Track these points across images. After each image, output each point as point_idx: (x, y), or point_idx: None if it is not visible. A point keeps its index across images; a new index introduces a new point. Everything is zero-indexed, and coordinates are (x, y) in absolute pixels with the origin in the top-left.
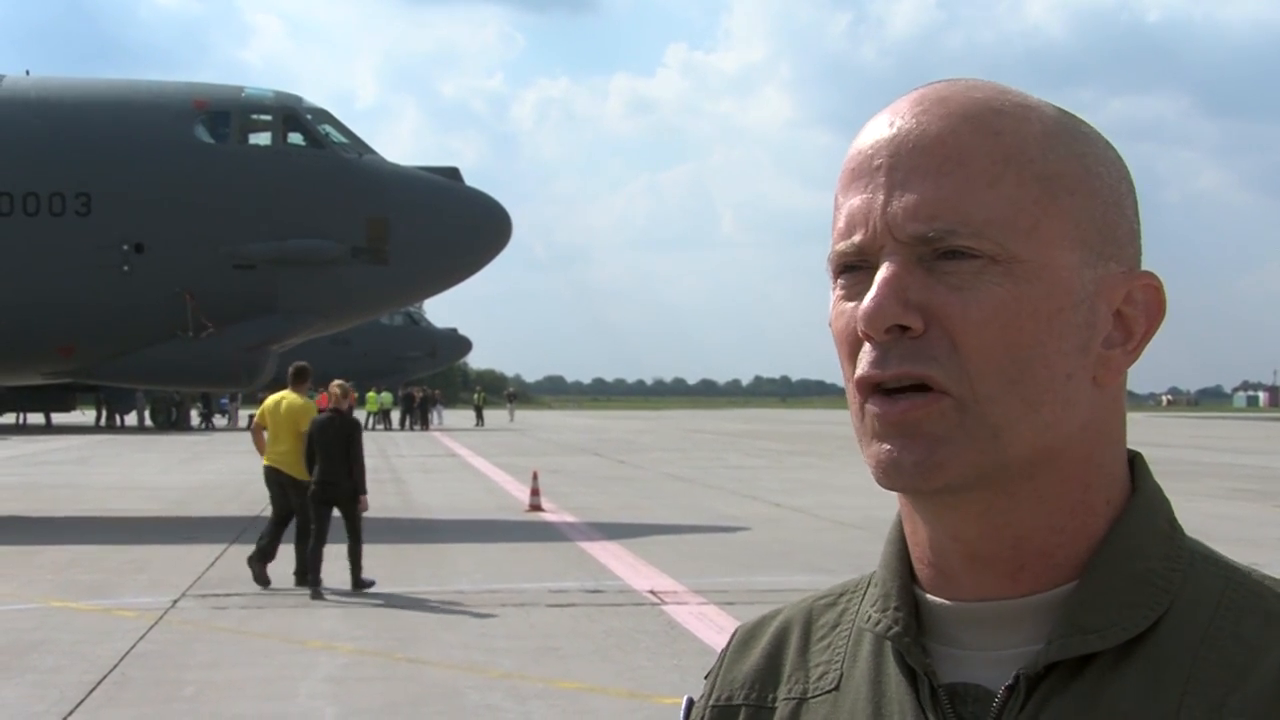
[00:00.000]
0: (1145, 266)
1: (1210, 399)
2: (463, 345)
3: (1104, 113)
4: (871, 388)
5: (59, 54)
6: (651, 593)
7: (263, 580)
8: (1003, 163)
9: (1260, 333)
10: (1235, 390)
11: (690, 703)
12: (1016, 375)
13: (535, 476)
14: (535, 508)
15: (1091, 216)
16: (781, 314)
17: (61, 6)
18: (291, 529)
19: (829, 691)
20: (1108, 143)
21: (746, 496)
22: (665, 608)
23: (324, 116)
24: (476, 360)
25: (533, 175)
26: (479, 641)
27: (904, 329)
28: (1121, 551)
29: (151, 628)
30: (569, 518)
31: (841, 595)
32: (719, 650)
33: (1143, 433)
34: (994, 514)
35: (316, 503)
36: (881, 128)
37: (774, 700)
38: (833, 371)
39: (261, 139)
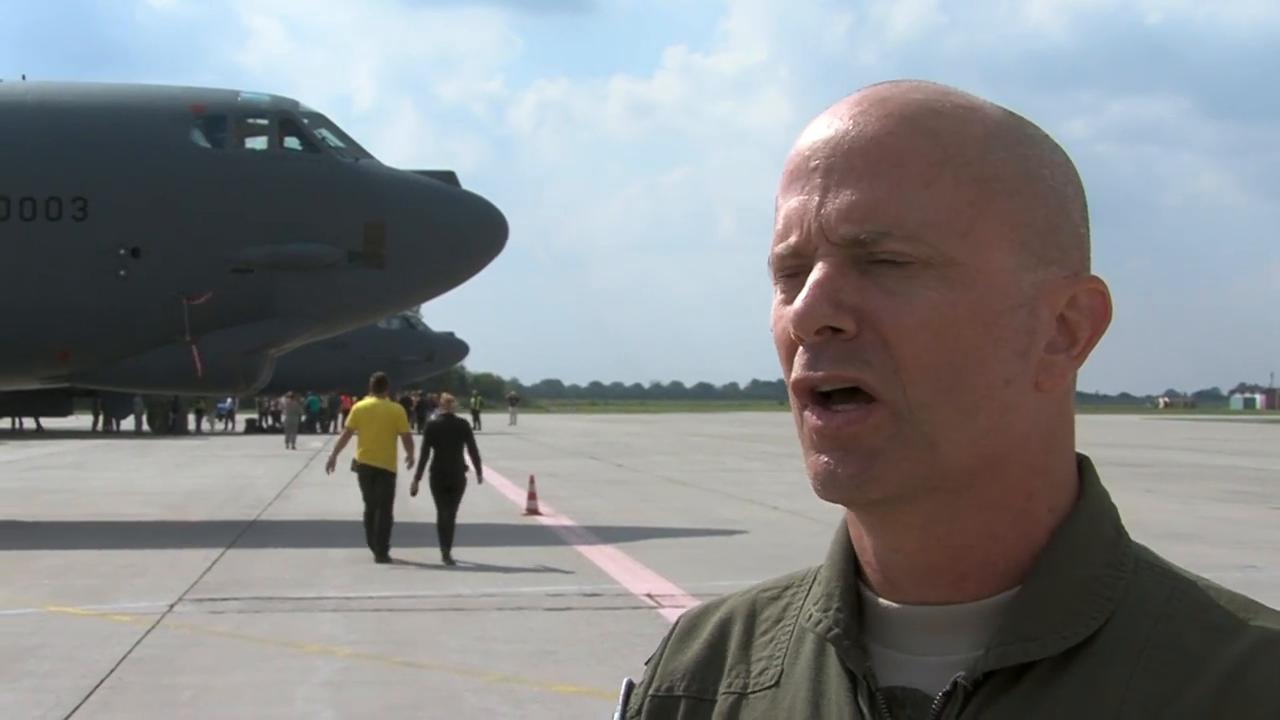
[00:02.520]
0: (1144, 269)
1: (1207, 401)
2: (460, 349)
3: (1104, 115)
4: (807, 392)
5: (55, 58)
6: (649, 596)
7: (384, 560)
8: (939, 164)
9: (1257, 335)
10: (1232, 392)
11: (630, 686)
12: (952, 381)
13: (532, 480)
14: (532, 511)
15: (1032, 219)
16: None
17: (58, 9)
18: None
19: (769, 688)
20: (1055, 145)
21: (744, 500)
22: (662, 611)
23: (320, 121)
24: (474, 364)
25: (531, 178)
26: (476, 645)
27: (836, 331)
28: (1064, 558)
29: (148, 632)
30: (566, 521)
31: (786, 589)
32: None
33: (1140, 435)
34: (934, 525)
35: (436, 488)
36: (820, 129)
37: (714, 693)
38: None
39: (258, 143)
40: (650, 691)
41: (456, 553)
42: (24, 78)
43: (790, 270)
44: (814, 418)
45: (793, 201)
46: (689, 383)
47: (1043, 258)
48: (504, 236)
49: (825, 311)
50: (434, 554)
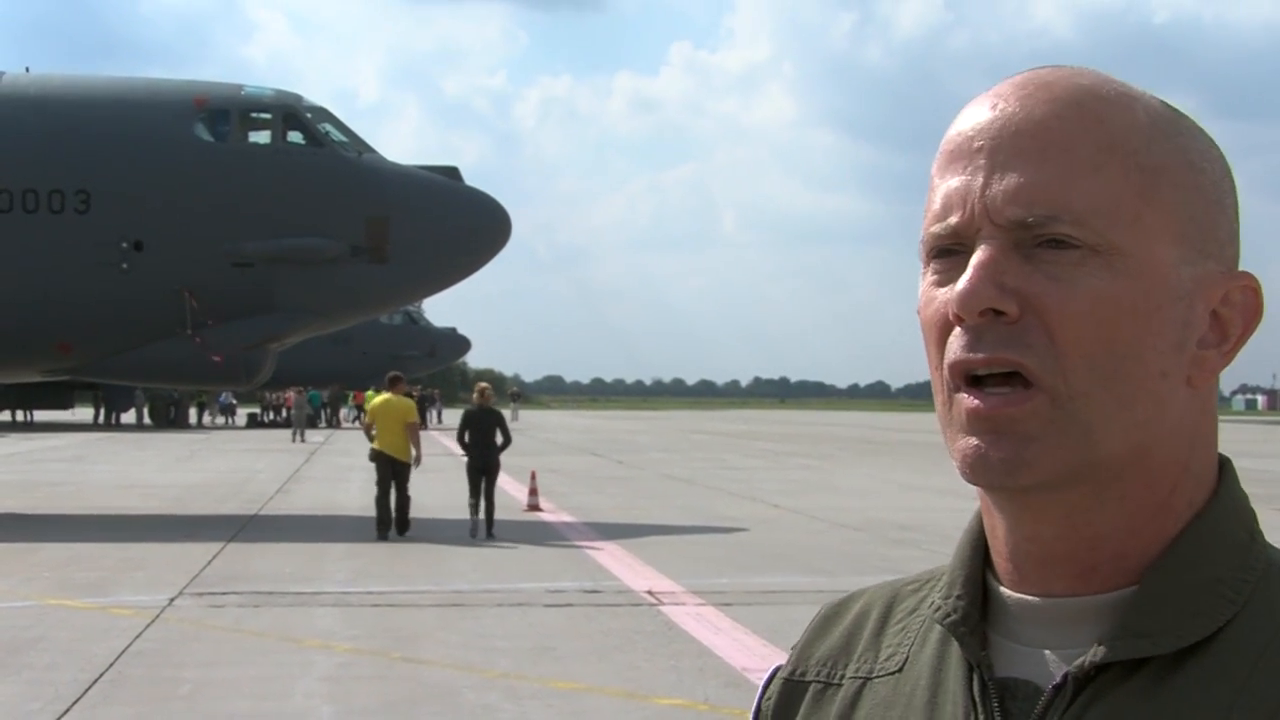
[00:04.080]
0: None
1: None
2: (462, 345)
3: None
4: (963, 375)
5: (59, 50)
6: (649, 593)
7: (386, 535)
8: (1107, 151)
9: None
10: (1234, 393)
11: (775, 671)
12: (1112, 372)
13: (533, 476)
14: (533, 508)
15: (1193, 212)
16: (781, 315)
17: (62, 2)
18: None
19: (893, 673)
20: (1211, 139)
21: (745, 498)
22: (663, 608)
23: (324, 115)
24: (475, 360)
25: (535, 174)
26: (476, 641)
27: (998, 314)
28: (1188, 557)
29: (148, 626)
30: (567, 518)
31: (927, 582)
32: (722, 654)
33: None
34: (1075, 515)
35: (472, 470)
36: (983, 110)
37: (842, 678)
38: (831, 373)
39: (261, 137)
40: (784, 675)
41: (455, 550)
42: (28, 70)
43: (944, 249)
44: (969, 399)
45: (954, 181)
46: (691, 380)
47: (1202, 252)
48: (507, 232)
49: (990, 293)
50: (439, 549)
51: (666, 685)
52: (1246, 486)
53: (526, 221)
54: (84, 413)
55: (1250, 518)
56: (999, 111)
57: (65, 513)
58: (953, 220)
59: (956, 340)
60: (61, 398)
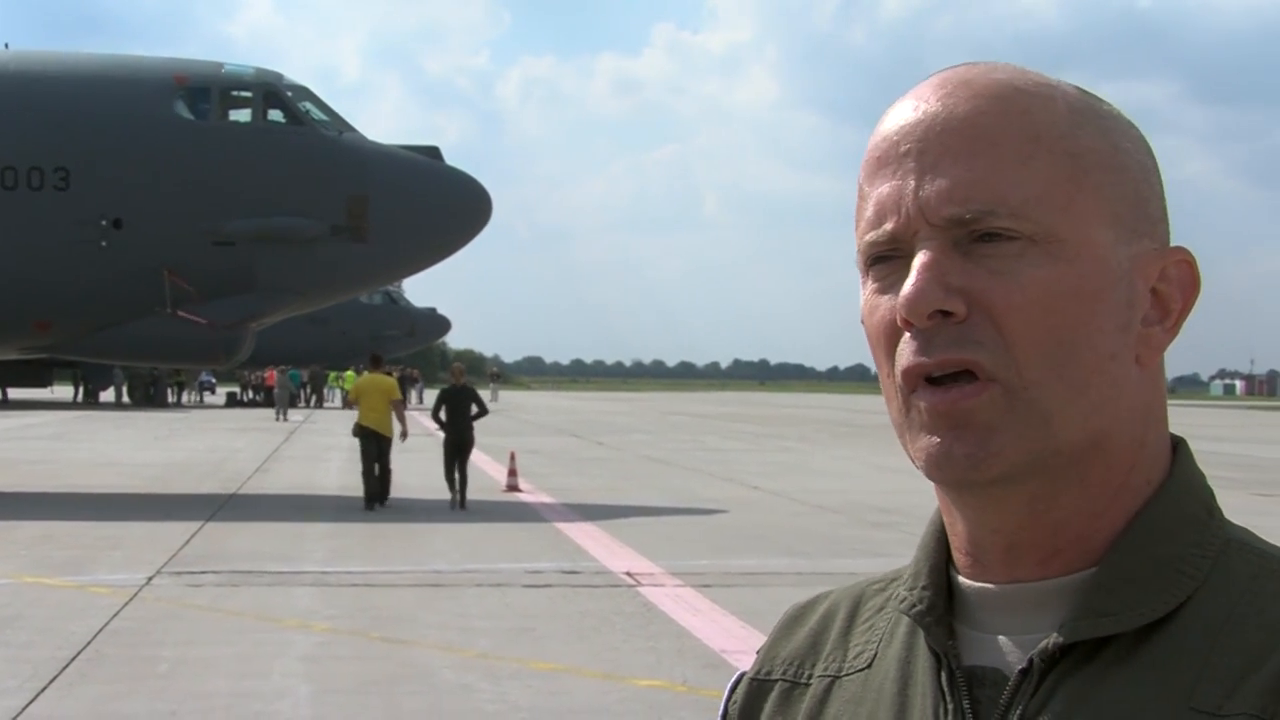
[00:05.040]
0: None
1: (1187, 387)
2: (441, 325)
3: None
4: (918, 378)
5: (39, 27)
6: (628, 574)
7: (372, 507)
8: (1033, 141)
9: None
10: (1212, 378)
11: (740, 678)
12: (1063, 358)
13: (513, 457)
14: (512, 488)
15: (1123, 193)
16: (762, 297)
17: None
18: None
19: (861, 670)
20: (1130, 122)
21: (724, 479)
22: (641, 589)
23: (304, 94)
24: (455, 340)
25: (517, 154)
26: (455, 621)
27: (946, 315)
28: (1146, 536)
29: (126, 604)
30: (546, 498)
31: (892, 581)
32: (700, 635)
33: None
34: (1037, 503)
35: (450, 446)
36: (906, 112)
37: (809, 677)
38: (811, 355)
39: (241, 115)
40: (750, 675)
41: (434, 530)
42: (6, 46)
43: (882, 255)
44: (926, 397)
45: (884, 187)
46: (671, 361)
47: (1136, 231)
48: (487, 212)
49: (937, 295)
50: (418, 528)
51: (645, 666)
52: (1228, 471)
53: (507, 202)
54: (63, 391)
55: (1208, 495)
56: (922, 113)
57: (43, 491)
58: (888, 226)
59: (907, 345)
60: (40, 376)
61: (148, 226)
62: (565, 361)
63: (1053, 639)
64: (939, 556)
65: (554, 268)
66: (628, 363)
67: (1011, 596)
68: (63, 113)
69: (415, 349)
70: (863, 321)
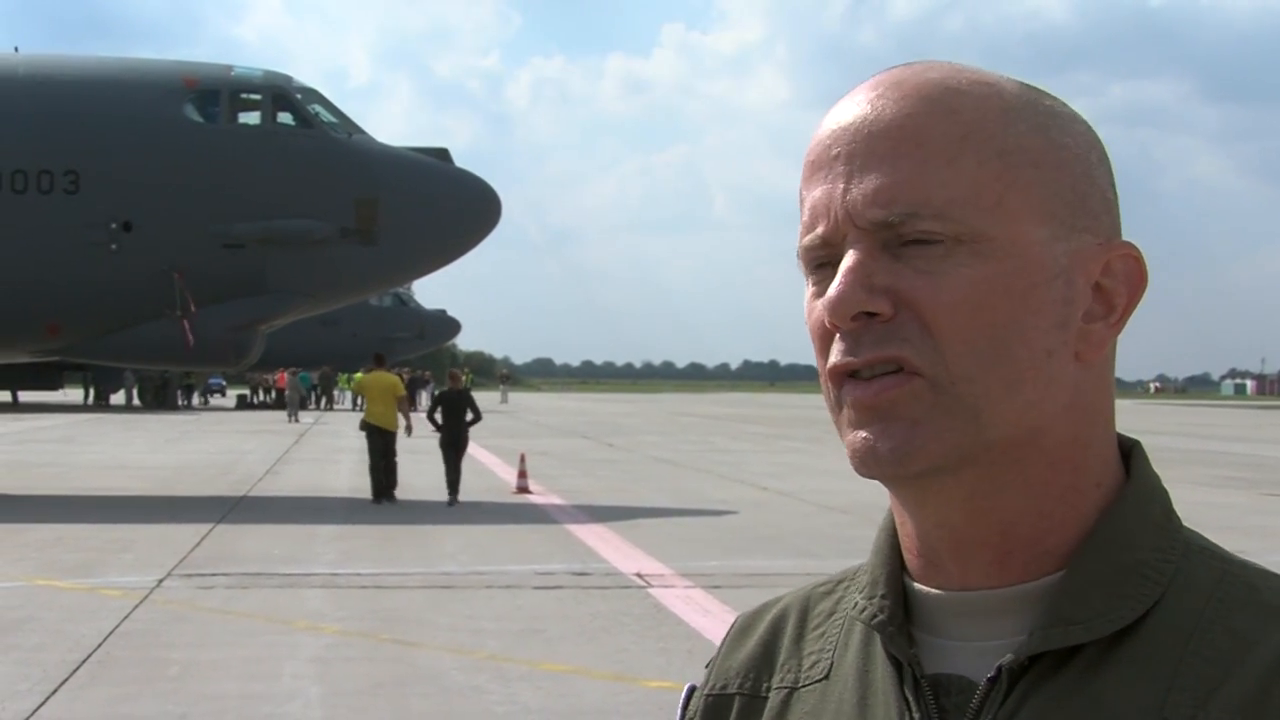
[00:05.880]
0: (1141, 251)
1: (1198, 386)
2: (451, 327)
3: (1104, 97)
4: (845, 376)
5: (48, 30)
6: (638, 576)
7: (379, 500)
8: (960, 141)
9: (1250, 321)
10: (1223, 378)
11: (691, 690)
12: (994, 356)
13: (523, 458)
14: (522, 490)
15: (1059, 189)
16: (771, 298)
17: None
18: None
19: (819, 681)
20: (1075, 115)
21: (734, 480)
22: (651, 591)
23: (314, 96)
24: (465, 342)
25: (526, 156)
26: (465, 623)
27: (872, 315)
28: (1110, 541)
29: (136, 607)
30: (556, 500)
31: (839, 583)
32: (710, 636)
33: (1131, 420)
34: (979, 498)
35: (445, 446)
36: (838, 117)
37: (767, 689)
38: None
39: (251, 118)
40: (705, 691)
41: (444, 531)
42: (16, 49)
43: (821, 261)
44: (851, 391)
45: (817, 192)
46: (681, 363)
47: (1074, 226)
48: (497, 214)
49: (860, 297)
50: (428, 530)
51: (655, 668)
52: (1237, 471)
53: (517, 203)
54: (73, 394)
55: (1164, 498)
56: (852, 116)
57: (53, 493)
58: (820, 230)
59: (836, 346)
60: (50, 379)
61: (157, 229)
62: (575, 363)
63: (1023, 647)
64: (894, 563)
65: (563, 269)
66: (637, 364)
67: (970, 603)
68: (72, 116)
69: (425, 351)
70: (805, 322)
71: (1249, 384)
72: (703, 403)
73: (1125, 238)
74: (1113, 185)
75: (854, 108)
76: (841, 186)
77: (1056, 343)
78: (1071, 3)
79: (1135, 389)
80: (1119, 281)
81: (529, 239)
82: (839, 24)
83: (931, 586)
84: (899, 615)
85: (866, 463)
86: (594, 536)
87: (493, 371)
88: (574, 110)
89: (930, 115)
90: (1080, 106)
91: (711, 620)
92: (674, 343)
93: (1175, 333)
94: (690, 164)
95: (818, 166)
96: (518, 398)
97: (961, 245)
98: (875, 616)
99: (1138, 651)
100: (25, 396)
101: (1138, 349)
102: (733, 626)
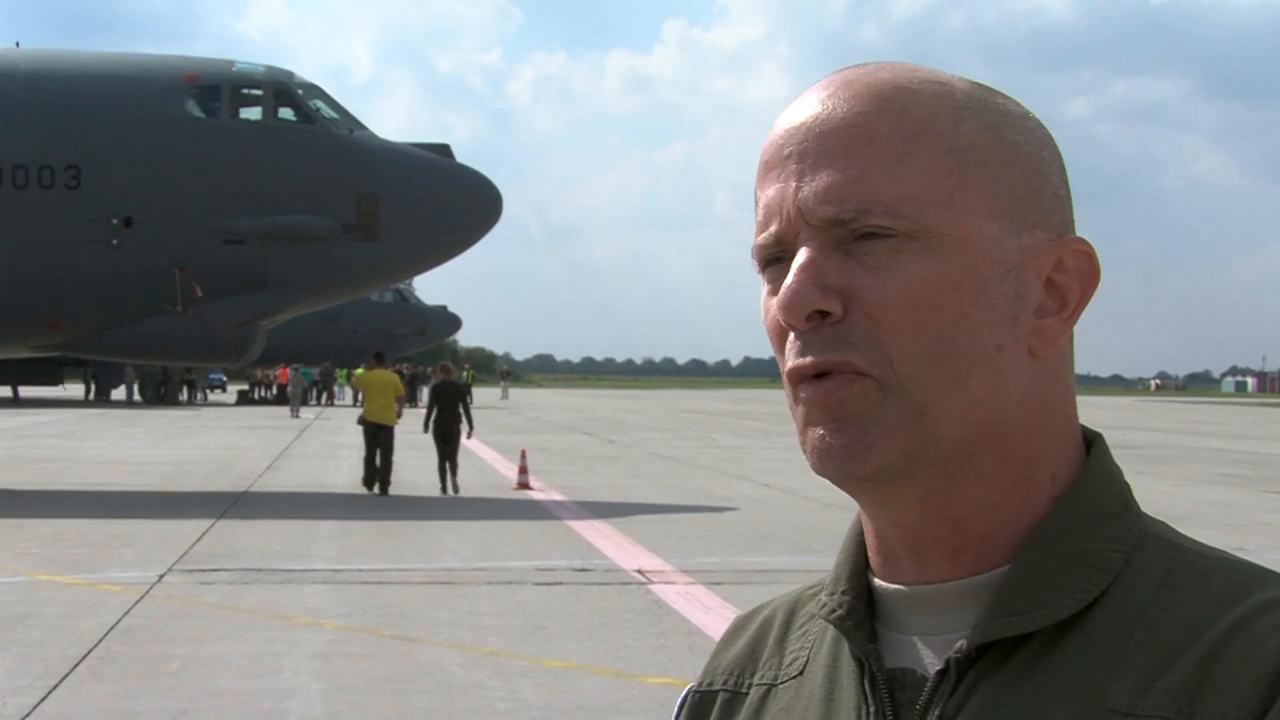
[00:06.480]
0: (1141, 250)
1: (1199, 384)
2: (452, 323)
3: (1106, 95)
4: (800, 377)
5: (50, 25)
6: (639, 572)
7: (371, 489)
8: (911, 139)
9: (1251, 318)
10: (1224, 375)
11: (688, 692)
12: (941, 351)
13: (523, 455)
14: (523, 486)
15: (1010, 185)
16: None
17: None
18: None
19: (795, 677)
20: (1027, 112)
21: (735, 477)
22: (652, 587)
23: (315, 92)
24: (466, 338)
25: (528, 152)
26: (466, 619)
27: (824, 315)
28: (1058, 532)
29: (137, 602)
30: (557, 496)
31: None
32: (711, 633)
33: (1131, 417)
34: (934, 496)
35: (438, 439)
36: (791, 117)
37: (749, 686)
38: None
39: (252, 114)
40: (694, 688)
41: (445, 528)
42: (18, 44)
43: (773, 257)
44: (805, 390)
45: (770, 191)
46: (682, 359)
47: (1024, 222)
48: (498, 210)
49: (812, 296)
50: (429, 526)
51: (656, 664)
52: (1237, 469)
53: (518, 199)
54: (74, 389)
55: (1123, 489)
56: (804, 116)
57: (54, 489)
58: (773, 229)
59: (790, 347)
60: (51, 374)
61: (159, 225)
62: (576, 359)
63: (964, 641)
64: (858, 560)
65: (565, 265)
66: (638, 360)
67: (925, 597)
68: (74, 111)
69: (426, 347)
70: (762, 321)
71: (1250, 381)
72: (704, 399)
73: (1128, 234)
74: (1065, 182)
75: (806, 107)
76: (794, 185)
77: (1007, 338)
78: (1074, 1)
79: (1136, 386)
80: (1071, 277)
81: (530, 235)
82: (841, 20)
83: (892, 582)
84: (859, 611)
85: (823, 460)
86: (595, 533)
87: (493, 368)
88: (575, 106)
89: (881, 114)
90: (1082, 104)
91: (712, 616)
92: (675, 339)
93: (1176, 330)
94: (692, 160)
95: (771, 166)
96: (518, 394)
97: (913, 241)
98: (834, 612)
99: (1084, 641)
100: (26, 391)
101: (1139, 346)
102: (728, 627)
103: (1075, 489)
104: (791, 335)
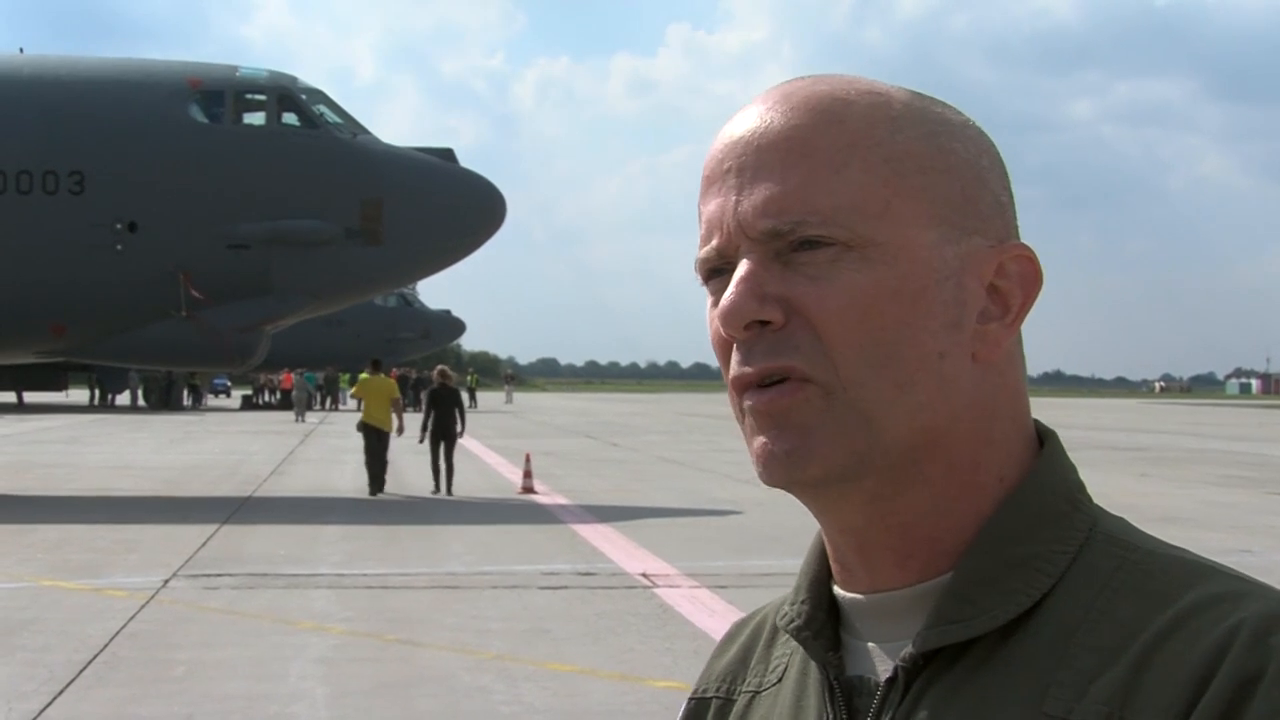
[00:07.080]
0: (1145, 251)
1: (1203, 386)
2: (456, 327)
3: (1110, 96)
4: (744, 386)
5: (53, 31)
6: (643, 576)
7: (376, 493)
8: (848, 149)
9: (1255, 320)
10: (1228, 377)
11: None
12: (884, 359)
13: (528, 459)
14: (528, 490)
15: (948, 193)
16: None
17: None
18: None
19: (774, 685)
20: (967, 120)
21: (739, 480)
22: (657, 591)
23: (319, 96)
24: (470, 342)
25: (532, 156)
26: (470, 623)
27: (764, 324)
28: (1002, 535)
29: (142, 607)
30: (561, 500)
31: None
32: (716, 636)
33: (1135, 419)
34: (880, 501)
35: (434, 439)
36: (730, 131)
37: (738, 693)
38: None
39: (256, 119)
40: (691, 695)
41: (450, 532)
42: (21, 50)
43: (715, 269)
44: (749, 398)
45: (711, 205)
46: (686, 363)
47: (964, 229)
48: (502, 214)
49: (751, 306)
50: (434, 530)
51: (661, 668)
52: (1241, 470)
53: (522, 203)
54: (78, 394)
55: (1072, 488)
56: (743, 130)
57: (59, 494)
58: (715, 243)
59: (734, 356)
60: (55, 379)
61: (162, 230)
62: (580, 363)
63: (907, 648)
64: (818, 570)
65: (569, 269)
66: (642, 364)
67: (877, 604)
68: (77, 117)
69: (430, 351)
70: (708, 332)
71: (1254, 383)
72: (708, 403)
73: (1132, 235)
74: (1008, 189)
75: (745, 122)
76: (734, 199)
77: (949, 344)
78: (1078, 2)
79: (1140, 388)
80: (1013, 282)
81: (534, 239)
82: (845, 23)
83: (850, 591)
84: (817, 620)
85: (767, 467)
86: (599, 536)
87: (498, 372)
88: (579, 110)
89: (817, 126)
90: (1086, 105)
91: (717, 620)
92: (679, 343)
93: (1180, 332)
94: (696, 164)
95: (711, 181)
96: (522, 398)
97: (850, 251)
98: (793, 622)
99: (1027, 643)
100: (30, 397)
101: (1143, 348)
102: (726, 632)
103: (1019, 491)
104: (735, 346)
